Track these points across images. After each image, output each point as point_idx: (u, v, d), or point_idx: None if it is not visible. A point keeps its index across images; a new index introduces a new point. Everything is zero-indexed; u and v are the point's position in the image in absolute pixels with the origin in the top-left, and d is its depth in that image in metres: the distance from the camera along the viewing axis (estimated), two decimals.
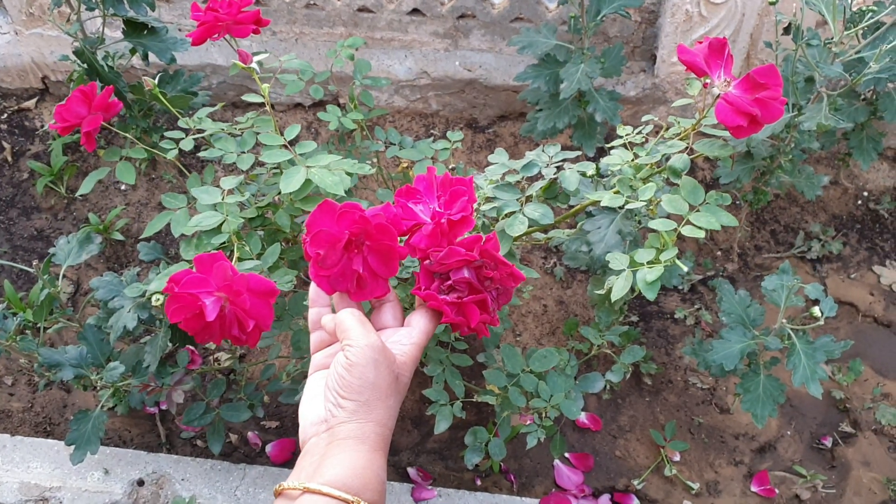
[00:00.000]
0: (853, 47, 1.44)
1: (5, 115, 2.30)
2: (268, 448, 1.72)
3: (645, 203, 1.08)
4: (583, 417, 1.76)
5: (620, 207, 1.14)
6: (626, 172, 1.10)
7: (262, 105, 2.18)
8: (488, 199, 1.13)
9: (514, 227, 1.07)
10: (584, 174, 1.17)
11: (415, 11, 2.10)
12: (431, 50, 2.17)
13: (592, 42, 2.08)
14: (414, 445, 1.73)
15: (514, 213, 1.09)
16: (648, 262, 1.03)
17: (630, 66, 2.15)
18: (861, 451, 1.73)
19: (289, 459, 1.70)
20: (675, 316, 1.90)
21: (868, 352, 1.88)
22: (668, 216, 1.08)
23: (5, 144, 2.24)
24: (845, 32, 1.30)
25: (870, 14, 1.38)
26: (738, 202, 1.88)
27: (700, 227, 1.04)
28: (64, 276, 1.91)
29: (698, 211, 1.06)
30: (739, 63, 2.04)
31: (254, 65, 1.07)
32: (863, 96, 1.72)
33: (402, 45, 2.17)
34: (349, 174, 1.18)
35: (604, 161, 1.13)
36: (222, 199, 1.17)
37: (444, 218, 0.81)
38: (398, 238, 0.82)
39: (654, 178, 1.14)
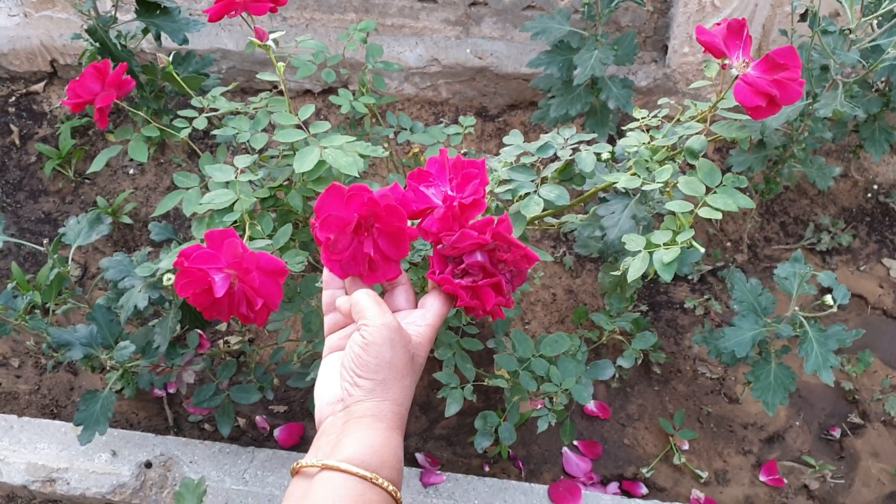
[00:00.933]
0: (869, 35, 1.43)
1: (13, 98, 2.29)
2: (276, 432, 1.71)
3: (661, 185, 1.07)
4: (591, 405, 1.76)
5: (635, 191, 1.14)
6: (642, 154, 1.10)
7: (274, 87, 2.18)
8: (503, 182, 1.13)
9: (530, 208, 1.06)
10: (599, 157, 1.16)
11: None
12: (442, 37, 2.16)
13: (605, 31, 2.07)
14: (422, 431, 1.73)
15: (529, 194, 1.08)
16: (665, 244, 1.03)
17: (641, 55, 2.14)
18: (870, 442, 1.73)
19: (297, 444, 1.70)
20: (685, 306, 1.90)
21: (877, 344, 1.87)
22: (684, 198, 1.07)
23: (13, 127, 2.24)
24: (863, 19, 1.29)
25: (887, 1, 1.37)
26: (748, 192, 1.87)
27: (717, 209, 1.03)
28: (72, 258, 1.91)
29: (715, 193, 1.06)
30: (752, 52, 2.03)
31: (270, 42, 1.06)
32: (875, 87, 1.72)
33: (412, 32, 2.17)
34: (362, 156, 1.17)
35: (620, 142, 1.13)
36: (235, 177, 1.16)
37: (457, 201, 0.81)
38: (408, 220, 0.81)
39: (669, 161, 1.14)
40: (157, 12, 1.54)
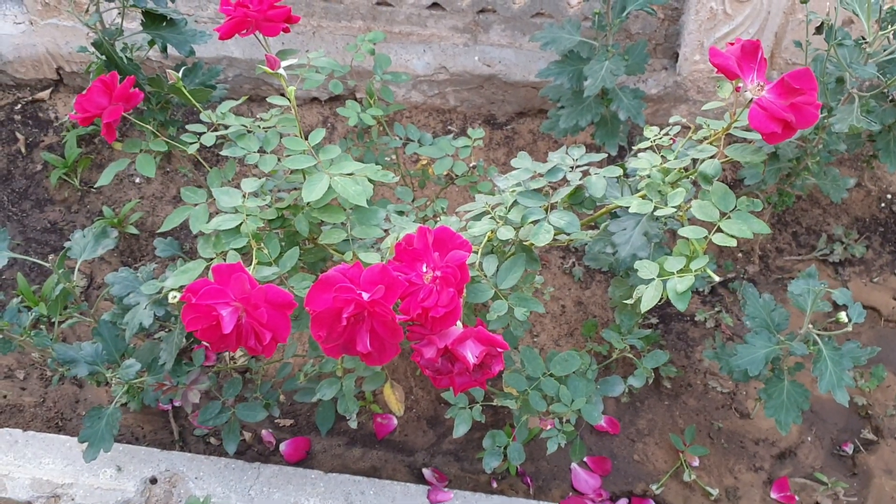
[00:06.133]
0: (885, 48, 1.41)
1: (19, 105, 2.28)
2: (282, 447, 1.70)
3: (674, 210, 1.05)
4: (601, 421, 1.74)
5: (650, 215, 1.12)
6: (654, 177, 1.08)
7: (282, 94, 2.16)
8: (513, 205, 1.11)
9: (540, 237, 1.04)
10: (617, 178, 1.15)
11: (434, 5, 2.07)
12: (450, 45, 2.14)
13: (615, 39, 2.05)
14: (429, 446, 1.71)
15: (538, 221, 1.06)
16: (679, 272, 1.01)
17: (652, 63, 2.11)
18: (883, 458, 1.71)
19: (303, 458, 1.69)
20: (695, 318, 1.87)
21: (891, 357, 1.85)
22: (698, 222, 1.05)
23: (19, 135, 2.23)
24: (880, 33, 1.27)
25: None
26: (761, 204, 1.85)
27: (732, 236, 1.01)
28: (78, 270, 1.89)
29: (729, 218, 1.04)
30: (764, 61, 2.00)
31: (281, 70, 1.05)
32: (891, 97, 1.69)
33: (420, 40, 2.15)
34: (371, 181, 1.16)
35: (631, 164, 1.11)
36: (242, 202, 1.15)
37: (430, 312, 0.95)
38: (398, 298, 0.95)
39: (682, 181, 1.12)
40: (164, 24, 1.53)
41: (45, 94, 2.29)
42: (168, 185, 2.12)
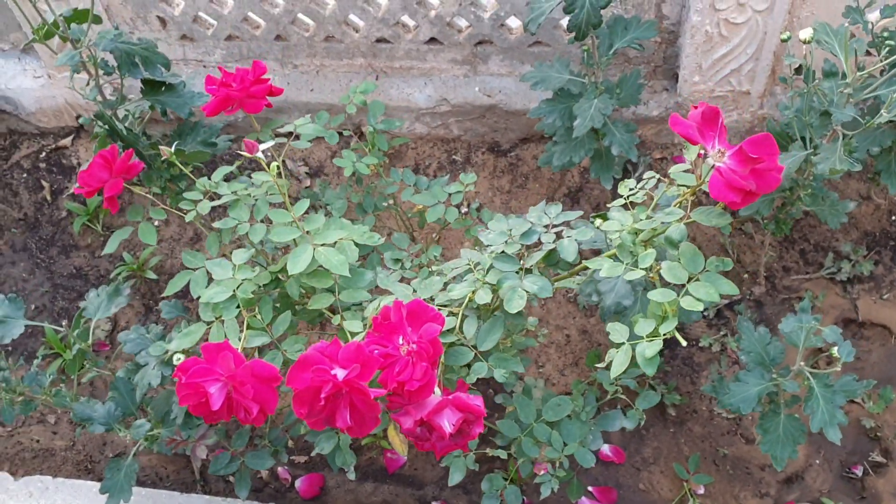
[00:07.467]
0: (869, 84, 1.40)
1: (43, 153, 2.38)
2: (297, 483, 1.77)
3: (644, 272, 1.08)
4: (606, 450, 1.77)
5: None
6: (625, 239, 1.10)
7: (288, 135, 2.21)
8: (491, 269, 1.15)
9: (514, 303, 1.08)
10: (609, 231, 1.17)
11: (432, 40, 2.10)
12: (451, 76, 2.17)
13: (612, 64, 2.05)
14: (438, 479, 1.76)
15: (513, 287, 1.10)
16: (648, 336, 1.03)
17: (652, 84, 2.12)
18: (892, 481, 1.71)
19: (317, 495, 1.75)
20: (700, 344, 1.89)
21: None
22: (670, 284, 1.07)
23: (44, 183, 2.33)
24: (857, 73, 1.27)
25: (887, 49, 1.34)
26: (761, 225, 1.84)
27: (699, 299, 1.03)
28: (93, 329, 1.98)
29: (698, 280, 1.06)
30: (765, 80, 2.00)
31: (259, 154, 1.10)
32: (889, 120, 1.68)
33: (421, 73, 2.18)
34: (357, 245, 1.20)
35: (602, 227, 1.13)
36: (233, 274, 1.20)
37: (406, 386, 0.99)
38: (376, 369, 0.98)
39: (655, 239, 1.14)
40: (163, 88, 1.59)
41: (67, 142, 2.39)
42: (185, 228, 2.19)
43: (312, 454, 1.75)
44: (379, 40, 2.12)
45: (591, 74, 1.71)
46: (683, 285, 1.05)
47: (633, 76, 1.79)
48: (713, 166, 1.02)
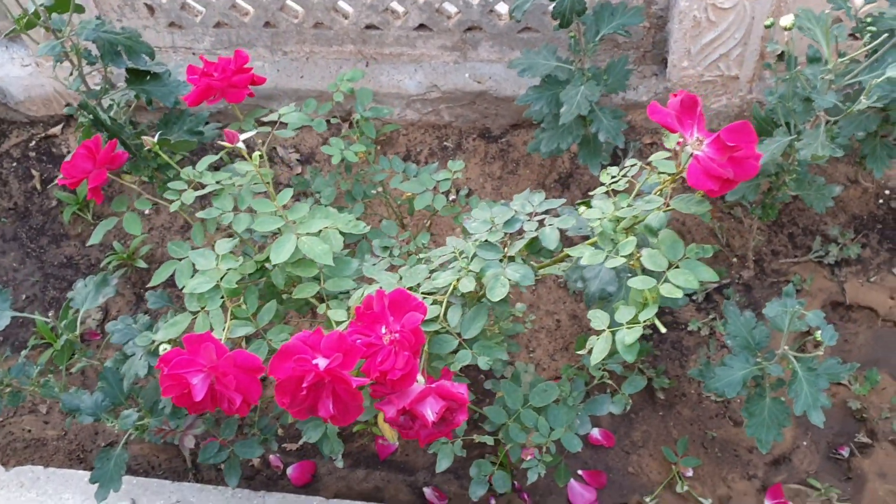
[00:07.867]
0: (858, 62, 1.40)
1: (33, 142, 2.38)
2: (289, 470, 1.78)
3: (625, 259, 1.08)
4: (596, 434, 1.78)
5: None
6: (606, 227, 1.11)
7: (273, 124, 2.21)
8: (474, 257, 1.15)
9: (496, 292, 1.09)
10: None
11: (422, 27, 2.10)
12: (441, 63, 2.17)
13: (600, 49, 2.05)
14: (429, 465, 1.78)
15: (496, 275, 1.10)
16: (628, 323, 1.04)
17: (642, 70, 2.11)
18: (877, 462, 1.72)
19: (309, 482, 1.77)
20: (689, 328, 1.90)
21: (888, 358, 1.85)
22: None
23: (34, 172, 2.33)
24: (839, 59, 1.27)
25: (868, 35, 1.34)
26: (748, 210, 1.85)
27: (678, 286, 1.04)
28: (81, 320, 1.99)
29: (677, 267, 1.06)
30: (753, 65, 1.99)
31: (240, 144, 1.10)
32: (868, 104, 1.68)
33: (411, 60, 2.18)
34: (343, 234, 1.21)
35: (584, 215, 1.14)
36: (216, 264, 1.21)
37: (388, 375, 1.00)
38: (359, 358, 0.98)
39: (637, 226, 1.15)
40: (148, 78, 1.59)
41: (56, 130, 2.38)
42: (175, 216, 2.19)
43: (301, 442, 1.76)
44: (368, 27, 2.12)
45: (578, 61, 1.71)
46: (664, 272, 1.06)
47: (620, 62, 1.79)
48: (691, 154, 1.03)
